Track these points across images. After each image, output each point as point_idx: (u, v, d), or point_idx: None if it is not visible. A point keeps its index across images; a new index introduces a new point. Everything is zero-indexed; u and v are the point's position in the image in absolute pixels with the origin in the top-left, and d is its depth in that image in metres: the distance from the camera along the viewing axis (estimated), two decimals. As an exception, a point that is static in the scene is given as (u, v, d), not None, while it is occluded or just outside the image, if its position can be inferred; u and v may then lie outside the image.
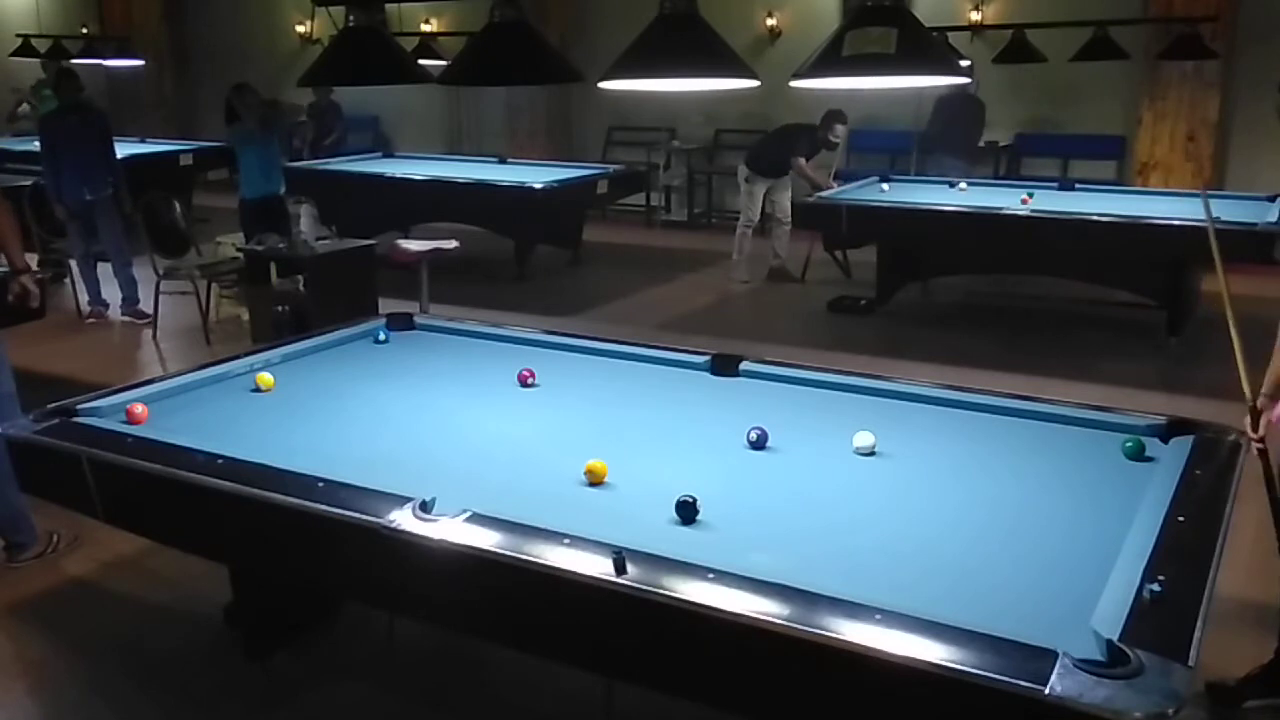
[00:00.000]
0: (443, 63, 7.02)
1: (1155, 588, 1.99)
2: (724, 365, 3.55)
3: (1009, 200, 7.22)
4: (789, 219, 8.47)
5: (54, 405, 3.05)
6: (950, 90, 8.65)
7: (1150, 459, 2.75)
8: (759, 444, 2.86)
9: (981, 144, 9.38)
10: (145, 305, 7.42)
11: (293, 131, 12.13)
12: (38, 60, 11.97)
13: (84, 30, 13.51)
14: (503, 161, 9.97)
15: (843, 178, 9.07)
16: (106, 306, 7.69)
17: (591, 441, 2.89)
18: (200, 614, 3.54)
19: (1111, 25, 7.67)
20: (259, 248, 6.48)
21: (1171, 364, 6.45)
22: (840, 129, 8.22)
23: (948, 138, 9.04)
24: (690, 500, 2.40)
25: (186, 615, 3.65)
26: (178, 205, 7.37)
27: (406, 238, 8.00)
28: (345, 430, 3.07)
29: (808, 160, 8.40)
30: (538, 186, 8.20)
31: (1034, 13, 8.65)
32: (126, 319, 7.57)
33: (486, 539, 2.24)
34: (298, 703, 3.22)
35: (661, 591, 2.01)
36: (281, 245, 6.41)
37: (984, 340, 6.94)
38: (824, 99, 8.23)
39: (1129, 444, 2.79)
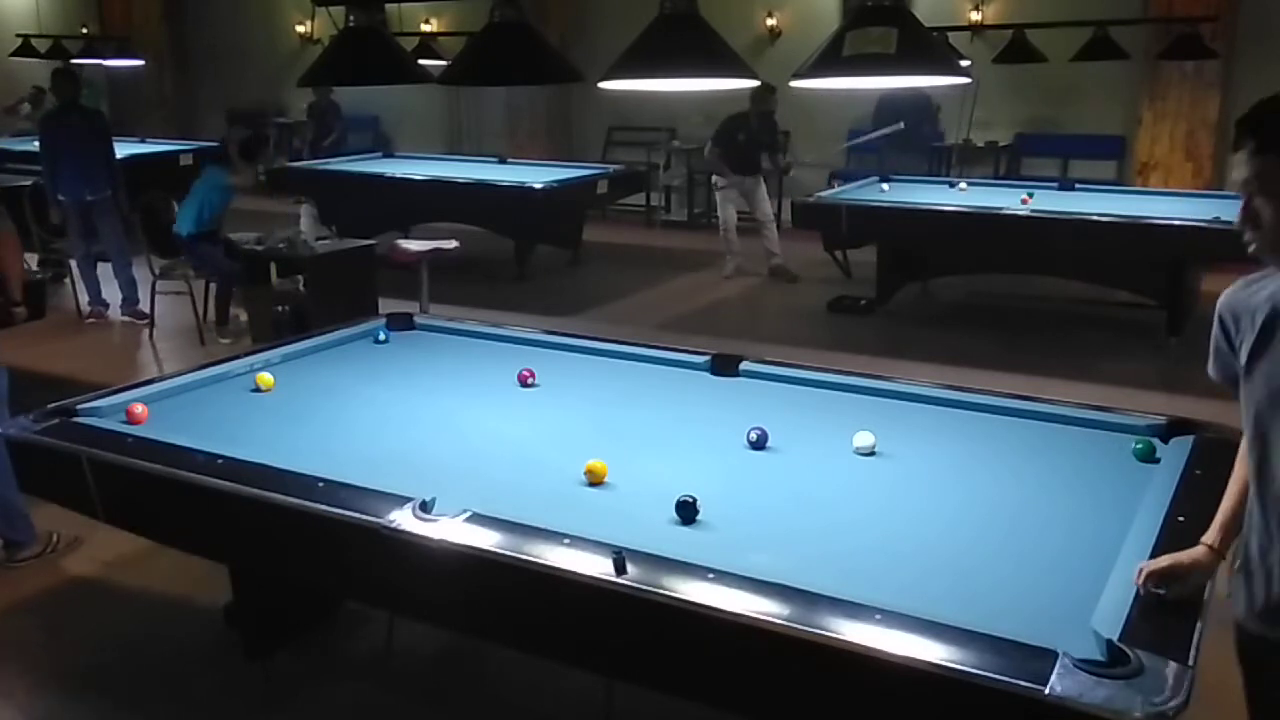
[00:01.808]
0: (443, 63, 7.01)
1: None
2: (724, 365, 3.55)
3: (1009, 200, 7.23)
4: (769, 218, 8.53)
5: (54, 405, 3.05)
6: (903, 91, 8.72)
7: (1158, 460, 2.74)
8: (759, 444, 2.86)
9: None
10: (145, 305, 7.41)
11: (294, 131, 12.15)
12: (38, 60, 11.96)
13: (84, 30, 13.51)
14: (503, 161, 9.97)
15: (842, 178, 9.11)
16: (106, 306, 7.69)
17: (591, 441, 2.89)
18: (200, 614, 3.54)
19: (1111, 25, 7.68)
20: (259, 247, 6.48)
21: (1171, 364, 6.45)
22: (770, 99, 8.22)
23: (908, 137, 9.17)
24: (690, 500, 2.40)
25: (186, 615, 3.65)
26: (176, 205, 7.36)
27: (406, 238, 8.00)
28: (345, 430, 3.07)
29: (744, 142, 8.51)
30: (538, 186, 8.20)
31: (1034, 13, 8.66)
32: (126, 319, 7.57)
33: (486, 539, 2.24)
34: (298, 703, 3.22)
35: (661, 591, 2.01)
36: (282, 245, 6.42)
37: (984, 340, 6.94)
38: (824, 98, 8.23)
39: (1139, 445, 2.78)
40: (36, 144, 8.02)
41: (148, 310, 7.32)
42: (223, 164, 7.40)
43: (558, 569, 2.12)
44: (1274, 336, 1.85)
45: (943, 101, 9.13)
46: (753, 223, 8.75)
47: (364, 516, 2.35)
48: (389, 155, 10.95)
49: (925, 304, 7.97)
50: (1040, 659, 1.76)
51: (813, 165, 9.49)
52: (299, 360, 3.71)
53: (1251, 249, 1.85)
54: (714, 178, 8.80)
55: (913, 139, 9.51)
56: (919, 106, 9.23)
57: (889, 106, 9.37)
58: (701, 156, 11.17)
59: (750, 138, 8.48)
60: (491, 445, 2.97)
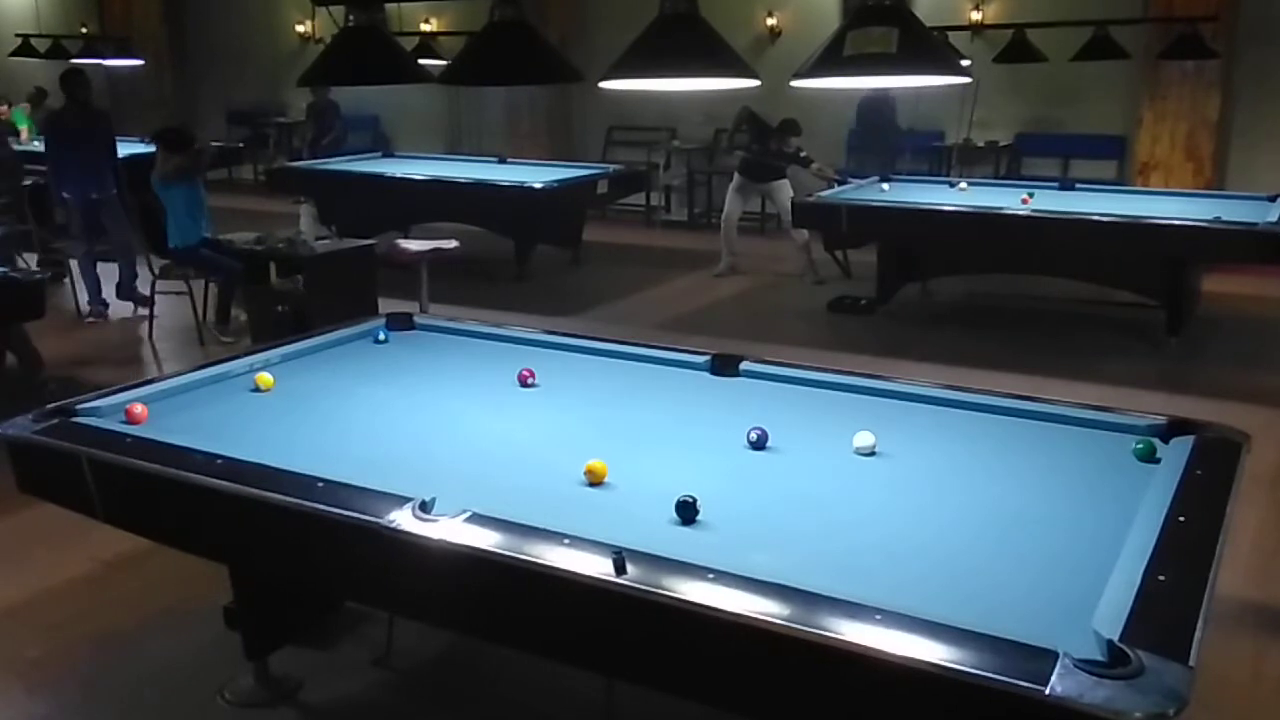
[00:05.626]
0: (443, 63, 7.01)
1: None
2: (724, 365, 3.54)
3: (1009, 200, 7.23)
4: (787, 224, 8.56)
5: (53, 405, 3.05)
6: (872, 91, 8.77)
7: (1158, 460, 2.74)
8: (759, 444, 2.86)
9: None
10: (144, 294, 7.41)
11: (293, 131, 12.13)
12: (38, 60, 11.97)
13: (84, 30, 13.52)
14: (503, 161, 9.97)
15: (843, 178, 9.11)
16: (106, 306, 7.69)
17: (591, 441, 2.89)
18: (200, 614, 3.54)
19: (1112, 25, 7.67)
20: (259, 247, 6.48)
21: (1171, 364, 6.45)
22: (788, 139, 8.43)
23: (872, 138, 9.22)
24: (690, 500, 2.40)
25: (186, 615, 3.65)
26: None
27: (406, 238, 8.00)
28: (345, 430, 3.06)
29: (756, 151, 8.63)
30: (538, 186, 8.20)
31: (1034, 12, 8.66)
32: (124, 303, 7.57)
33: (486, 539, 2.24)
34: (298, 703, 3.22)
35: (661, 591, 2.01)
36: (282, 245, 6.42)
37: (984, 340, 6.94)
38: (824, 99, 8.23)
39: (1140, 446, 2.78)
40: (37, 144, 8.04)
41: (147, 294, 7.29)
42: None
43: (558, 569, 2.12)
44: None
45: (944, 102, 9.12)
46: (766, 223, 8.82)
47: (364, 516, 2.35)
48: (389, 155, 10.96)
49: (925, 304, 7.97)
50: (1040, 659, 1.76)
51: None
52: (299, 360, 3.71)
53: None
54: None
55: (874, 141, 9.59)
56: (879, 109, 9.33)
57: (866, 106, 9.49)
58: (701, 156, 11.23)
59: (761, 153, 8.51)
60: (491, 445, 2.97)
